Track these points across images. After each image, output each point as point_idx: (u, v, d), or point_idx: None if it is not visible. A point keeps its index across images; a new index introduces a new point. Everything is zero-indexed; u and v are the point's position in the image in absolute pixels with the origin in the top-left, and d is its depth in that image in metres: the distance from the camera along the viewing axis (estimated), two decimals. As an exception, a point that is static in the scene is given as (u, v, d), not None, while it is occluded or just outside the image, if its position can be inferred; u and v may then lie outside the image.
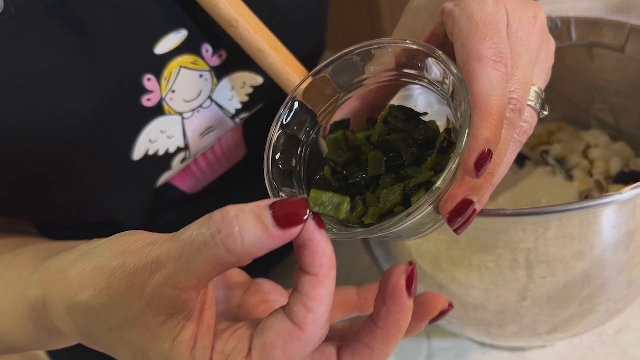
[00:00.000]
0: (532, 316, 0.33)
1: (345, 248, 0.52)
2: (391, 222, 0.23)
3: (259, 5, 0.36)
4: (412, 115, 0.28)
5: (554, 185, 0.41)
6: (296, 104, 0.28)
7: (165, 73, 0.35)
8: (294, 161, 0.28)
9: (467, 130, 0.23)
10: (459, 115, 0.25)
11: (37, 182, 0.35)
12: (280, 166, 0.27)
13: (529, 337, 0.35)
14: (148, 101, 0.35)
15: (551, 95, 0.46)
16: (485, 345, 0.41)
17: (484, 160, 0.23)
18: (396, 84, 0.28)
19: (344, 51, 0.27)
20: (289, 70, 0.34)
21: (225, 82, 0.37)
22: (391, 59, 0.27)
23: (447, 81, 0.26)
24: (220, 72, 0.37)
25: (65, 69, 0.33)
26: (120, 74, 0.35)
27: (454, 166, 0.23)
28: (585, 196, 0.39)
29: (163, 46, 0.35)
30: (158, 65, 0.35)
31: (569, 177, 0.41)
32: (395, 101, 0.29)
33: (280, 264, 0.52)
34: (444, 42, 0.28)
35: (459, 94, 0.24)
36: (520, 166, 0.43)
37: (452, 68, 0.24)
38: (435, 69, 0.26)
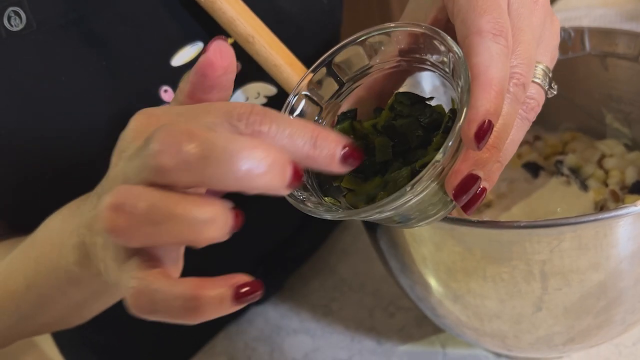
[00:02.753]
0: (548, 327, 0.33)
1: (359, 257, 0.53)
2: (393, 197, 0.23)
3: (272, 16, 0.37)
4: (417, 100, 0.28)
5: (569, 195, 0.41)
6: (303, 95, 0.28)
7: None
8: None
9: (465, 103, 0.23)
10: (459, 91, 0.25)
11: (54, 192, 0.36)
12: None
13: (545, 348, 0.35)
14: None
15: (565, 104, 0.46)
16: (501, 356, 0.41)
17: (484, 131, 0.22)
18: (402, 70, 0.28)
19: (347, 40, 0.27)
20: (304, 84, 0.34)
21: (240, 93, 0.38)
22: (394, 45, 0.27)
23: (446, 60, 0.26)
24: (234, 83, 0.38)
25: (84, 82, 0.34)
26: (138, 85, 0.35)
27: (453, 137, 0.23)
28: (601, 206, 0.39)
29: (180, 58, 0.36)
30: (175, 77, 0.36)
31: (584, 187, 0.41)
32: (401, 89, 0.29)
33: (295, 274, 0.53)
34: (447, 27, 0.28)
35: (458, 70, 0.24)
36: (534, 176, 0.43)
37: (452, 45, 0.24)
38: (437, 50, 0.26)
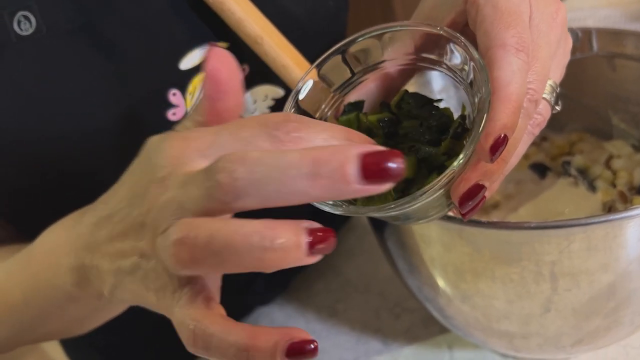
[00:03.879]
0: (557, 328, 0.33)
1: (365, 258, 0.53)
2: (403, 201, 0.23)
3: (278, 18, 0.37)
4: (426, 102, 0.28)
5: (577, 196, 0.41)
6: (311, 82, 0.28)
7: (190, 88, 0.36)
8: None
9: (485, 114, 0.23)
10: (476, 101, 0.25)
11: (60, 196, 0.36)
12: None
13: (553, 349, 0.35)
14: (173, 115, 0.36)
15: (572, 105, 0.46)
16: (508, 357, 0.41)
17: (499, 144, 0.23)
18: (414, 68, 0.28)
19: (364, 31, 0.27)
20: (312, 84, 0.34)
21: (248, 95, 0.38)
22: (410, 43, 0.27)
23: (466, 67, 0.26)
24: (243, 86, 0.38)
25: (92, 86, 0.34)
26: (146, 89, 0.35)
27: (471, 148, 0.23)
28: (609, 207, 0.39)
29: (188, 61, 0.36)
30: (183, 80, 0.36)
31: (592, 187, 0.41)
32: (410, 86, 0.29)
33: (300, 274, 0.53)
34: (463, 31, 0.28)
35: (479, 80, 0.24)
36: (541, 177, 0.43)
37: (473, 53, 0.25)
38: (455, 55, 0.26)
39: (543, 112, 0.28)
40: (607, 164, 0.42)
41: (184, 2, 0.35)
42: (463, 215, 0.25)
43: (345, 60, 0.28)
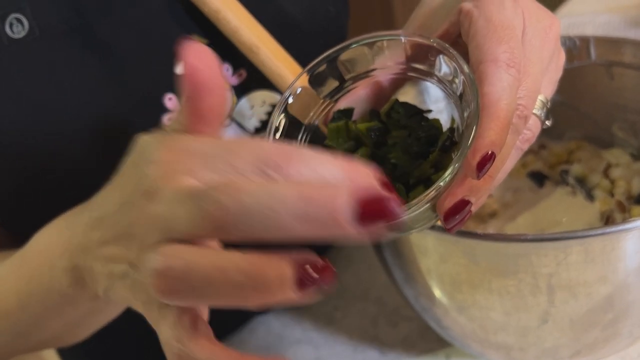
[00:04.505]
0: (554, 340, 0.33)
1: (363, 266, 0.52)
2: None
3: (277, 22, 0.37)
4: (415, 112, 0.28)
5: (575, 206, 0.40)
6: (299, 88, 0.28)
7: None
8: (294, 144, 0.28)
9: (473, 130, 0.23)
10: (465, 115, 0.25)
11: (54, 199, 0.35)
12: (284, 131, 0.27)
13: (550, 360, 0.35)
14: (169, 120, 0.36)
15: (570, 113, 0.45)
16: (506, 367, 0.41)
17: (486, 161, 0.23)
18: (404, 78, 0.28)
19: (355, 39, 0.27)
20: (309, 93, 0.34)
21: (245, 101, 0.38)
22: (402, 52, 0.27)
23: (456, 80, 0.26)
24: (240, 91, 0.38)
25: (87, 89, 0.34)
26: (142, 93, 0.35)
27: (457, 164, 0.23)
28: (607, 217, 0.39)
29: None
30: (179, 84, 0.35)
31: (590, 197, 0.41)
32: (405, 95, 0.29)
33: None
34: (456, 42, 0.28)
35: (468, 94, 0.24)
36: (539, 185, 0.43)
37: (464, 67, 0.25)
38: (445, 67, 0.26)
39: (532, 128, 0.28)
40: (606, 173, 0.42)
41: (180, 6, 0.35)
42: (448, 229, 0.25)
43: (336, 67, 0.28)
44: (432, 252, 0.32)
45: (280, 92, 0.38)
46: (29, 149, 0.34)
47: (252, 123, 0.39)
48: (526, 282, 0.30)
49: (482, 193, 0.25)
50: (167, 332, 0.20)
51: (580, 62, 0.42)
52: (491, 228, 0.40)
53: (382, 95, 0.29)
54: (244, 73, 0.37)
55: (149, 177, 0.21)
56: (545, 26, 0.27)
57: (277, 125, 0.27)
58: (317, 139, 0.29)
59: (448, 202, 0.24)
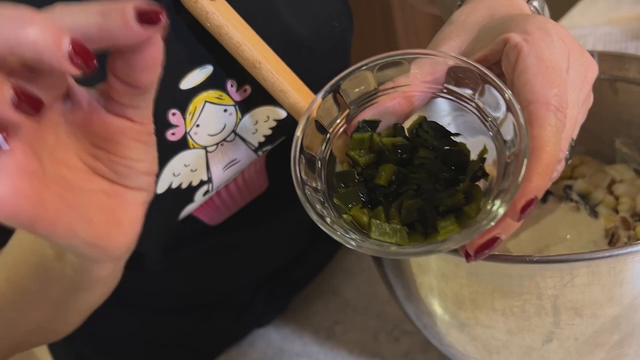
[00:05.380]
0: (559, 360, 0.32)
1: (364, 278, 0.52)
2: (428, 249, 0.24)
3: (282, 39, 0.37)
4: (444, 135, 0.28)
5: (579, 222, 0.40)
6: (330, 96, 0.28)
7: (190, 108, 0.36)
8: (318, 151, 0.28)
9: (521, 174, 0.23)
10: (505, 152, 0.25)
11: None
12: (304, 156, 0.27)
13: (554, 380, 0.35)
14: (172, 135, 0.36)
15: (574, 127, 0.45)
16: (508, 385, 0.40)
17: (529, 206, 0.23)
18: (436, 97, 0.28)
19: (397, 52, 0.27)
20: (312, 109, 0.34)
21: (249, 116, 0.38)
22: (440, 71, 0.27)
23: (499, 115, 0.25)
24: (244, 107, 0.37)
25: None
26: None
27: (506, 206, 0.23)
28: (612, 234, 0.38)
29: (188, 81, 0.35)
30: (183, 100, 0.35)
31: (594, 213, 0.40)
32: (423, 112, 0.29)
33: (298, 295, 0.52)
34: (489, 68, 0.28)
35: (516, 134, 0.24)
36: (543, 201, 0.43)
37: (516, 107, 0.24)
38: (490, 98, 0.26)
39: (559, 169, 0.28)
40: (610, 189, 0.42)
41: (182, 21, 0.34)
42: (468, 259, 0.25)
43: (369, 76, 0.28)
44: (434, 270, 0.32)
45: (283, 108, 0.37)
46: None
47: (256, 138, 0.39)
48: (531, 303, 0.29)
49: (512, 230, 0.25)
50: None
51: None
52: (494, 244, 0.39)
53: (409, 110, 0.29)
54: (248, 89, 0.37)
55: None
56: (586, 69, 0.28)
57: (304, 129, 0.27)
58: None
59: (479, 241, 0.24)
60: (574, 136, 0.29)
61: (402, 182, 0.27)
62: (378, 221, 0.26)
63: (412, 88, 0.28)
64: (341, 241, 0.25)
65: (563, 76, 0.25)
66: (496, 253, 0.36)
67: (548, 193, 0.43)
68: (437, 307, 0.34)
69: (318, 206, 0.26)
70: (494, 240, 0.24)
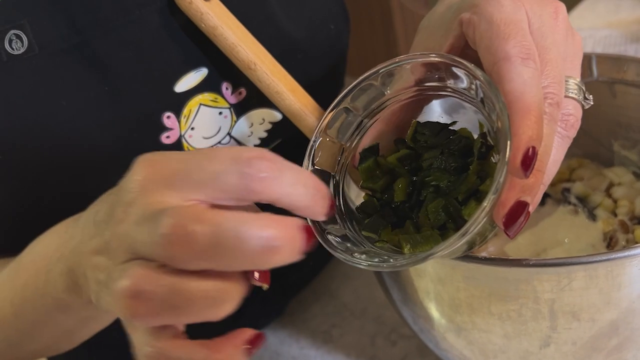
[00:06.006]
0: (556, 365, 0.32)
1: (362, 282, 0.52)
2: (448, 243, 0.23)
3: (278, 41, 0.36)
4: (441, 128, 0.28)
5: (577, 225, 0.40)
6: (319, 140, 0.28)
7: (185, 111, 0.35)
8: (333, 168, 0.28)
9: (507, 132, 0.23)
10: (493, 117, 0.24)
11: (52, 214, 0.35)
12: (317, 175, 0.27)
13: (552, 385, 0.34)
14: (167, 138, 0.35)
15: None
16: (506, 389, 0.40)
17: (529, 159, 0.22)
18: (419, 99, 0.28)
19: (362, 77, 0.27)
20: (306, 111, 0.34)
21: (244, 119, 0.38)
22: (410, 76, 0.27)
23: (473, 86, 0.25)
24: (239, 109, 0.37)
25: (86, 106, 0.34)
26: (140, 111, 0.35)
27: (502, 174, 0.22)
28: (610, 237, 0.38)
29: (183, 84, 0.35)
30: (178, 103, 0.35)
31: (592, 216, 0.40)
32: (419, 118, 0.29)
33: (295, 298, 0.52)
34: (464, 54, 0.28)
35: (490, 97, 0.24)
36: (541, 204, 0.42)
37: (477, 73, 0.24)
38: (459, 77, 0.26)
39: (573, 112, 0.27)
40: (608, 192, 0.41)
41: (177, 23, 0.34)
42: (510, 236, 0.24)
43: (348, 110, 0.28)
44: (430, 274, 0.32)
45: (279, 110, 0.37)
46: (25, 165, 0.34)
47: (252, 141, 0.39)
48: (528, 307, 0.29)
49: (535, 190, 0.24)
50: (138, 338, 0.21)
51: (582, 80, 0.42)
52: (491, 248, 0.39)
53: (402, 122, 0.29)
54: (243, 91, 0.37)
55: (126, 190, 0.22)
56: (551, 12, 0.27)
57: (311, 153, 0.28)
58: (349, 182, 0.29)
59: (502, 209, 0.23)
60: (577, 76, 0.28)
61: (420, 189, 0.27)
62: (407, 235, 0.26)
63: (393, 101, 0.28)
64: (371, 269, 0.25)
65: (520, 26, 0.25)
66: (493, 256, 0.35)
67: (546, 196, 0.43)
68: (433, 311, 0.34)
69: (331, 226, 0.26)
70: (520, 206, 0.23)
